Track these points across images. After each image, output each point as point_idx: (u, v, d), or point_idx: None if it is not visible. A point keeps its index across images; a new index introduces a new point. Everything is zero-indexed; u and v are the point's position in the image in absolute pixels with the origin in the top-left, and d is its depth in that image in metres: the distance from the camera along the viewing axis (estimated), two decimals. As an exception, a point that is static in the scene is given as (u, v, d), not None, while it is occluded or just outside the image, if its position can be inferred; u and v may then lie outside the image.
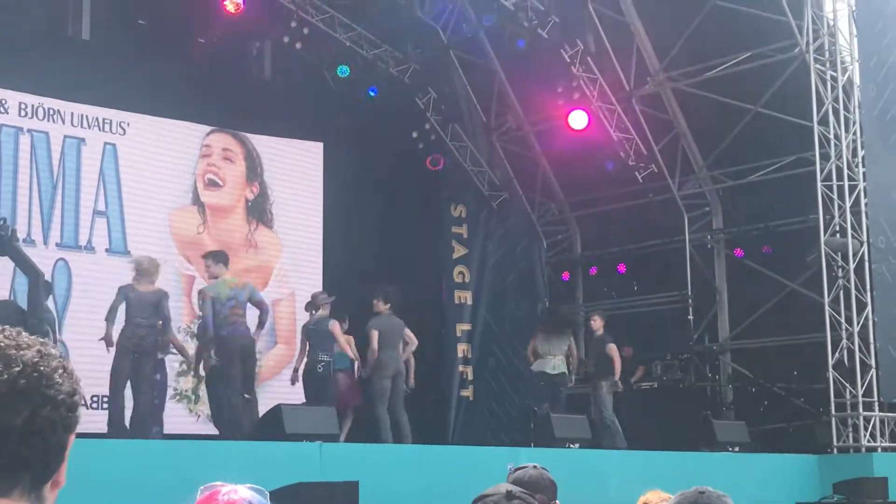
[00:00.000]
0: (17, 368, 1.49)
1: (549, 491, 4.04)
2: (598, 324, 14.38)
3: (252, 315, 11.33)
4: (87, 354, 13.14)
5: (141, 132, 14.49)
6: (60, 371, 1.54)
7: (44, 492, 1.53)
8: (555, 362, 13.99)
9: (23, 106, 13.56)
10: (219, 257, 11.58)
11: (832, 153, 13.79)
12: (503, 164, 17.97)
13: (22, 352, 1.51)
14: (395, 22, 15.83)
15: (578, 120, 16.16)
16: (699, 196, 16.89)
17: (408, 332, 12.55)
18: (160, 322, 11.10)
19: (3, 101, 13.40)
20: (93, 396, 13.26)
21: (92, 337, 13.10)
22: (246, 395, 10.94)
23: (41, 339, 1.56)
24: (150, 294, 11.03)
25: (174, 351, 12.03)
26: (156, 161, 14.59)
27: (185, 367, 13.35)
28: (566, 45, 15.64)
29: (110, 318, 11.08)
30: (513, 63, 16.60)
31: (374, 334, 12.14)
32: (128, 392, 10.98)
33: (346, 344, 12.51)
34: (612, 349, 13.88)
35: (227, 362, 10.93)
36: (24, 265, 10.18)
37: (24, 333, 1.56)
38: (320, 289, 15.25)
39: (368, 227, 15.66)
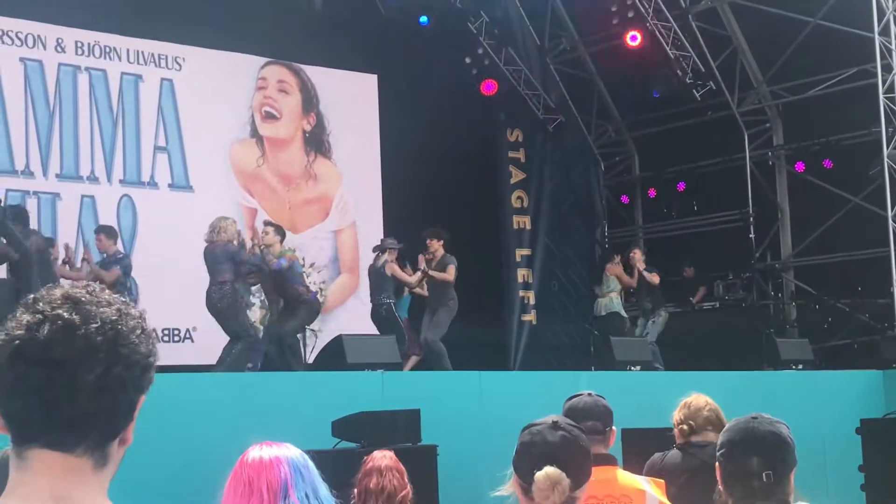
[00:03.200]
0: (95, 325, 1.50)
1: (603, 417, 4.07)
2: (637, 256, 14.42)
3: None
4: (154, 288, 13.42)
5: (196, 67, 14.58)
6: (139, 332, 1.54)
7: (110, 449, 1.55)
8: (604, 303, 14.25)
9: (79, 44, 13.70)
10: (280, 231, 11.80)
11: (894, 64, 13.50)
12: (558, 87, 17.82)
13: (102, 309, 1.52)
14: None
15: (634, 38, 15.96)
16: (759, 112, 16.66)
17: None
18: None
19: (60, 40, 13.55)
20: (163, 329, 13.57)
21: (159, 270, 13.39)
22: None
23: (123, 299, 1.57)
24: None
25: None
26: (213, 96, 14.69)
27: (251, 301, 13.59)
28: (620, -38, 15.39)
29: None
30: (566, -17, 16.38)
31: (453, 269, 12.41)
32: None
33: (407, 276, 12.71)
34: (654, 277, 14.07)
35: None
36: (16, 244, 10.34)
37: (107, 290, 1.58)
38: (380, 217, 15.41)
39: (425, 155, 15.65)
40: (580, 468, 2.73)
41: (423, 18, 15.84)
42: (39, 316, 1.50)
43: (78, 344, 1.49)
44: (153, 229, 13.80)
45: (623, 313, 14.59)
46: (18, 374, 1.48)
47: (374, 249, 12.98)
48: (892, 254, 13.40)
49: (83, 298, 1.53)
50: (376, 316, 12.49)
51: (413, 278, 12.71)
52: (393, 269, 12.45)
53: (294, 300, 11.59)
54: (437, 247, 12.56)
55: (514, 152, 17.52)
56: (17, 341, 1.49)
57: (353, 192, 15.91)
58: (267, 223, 12.29)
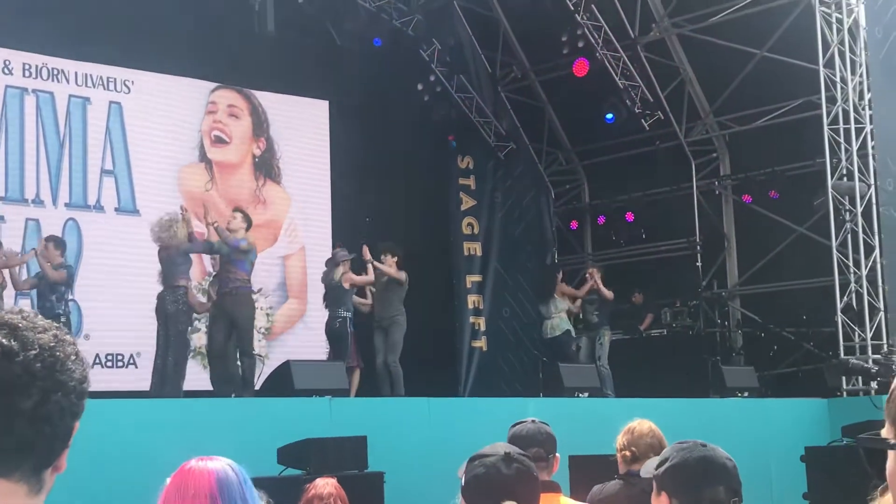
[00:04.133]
0: (34, 351, 1.48)
1: (546, 444, 4.08)
2: (595, 276, 14.51)
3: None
4: (98, 313, 13.28)
5: (146, 90, 14.49)
6: (73, 357, 1.53)
7: (44, 476, 1.53)
8: (552, 324, 14.32)
9: (27, 66, 13.56)
10: (247, 220, 11.59)
11: (838, 96, 13.72)
12: (509, 115, 17.92)
13: (39, 335, 1.50)
14: (398, -28, 15.71)
15: (581, 67, 16.07)
16: (706, 142, 16.85)
17: None
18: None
19: (7, 62, 13.41)
20: (107, 354, 13.40)
21: (104, 294, 13.25)
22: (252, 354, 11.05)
23: (56, 324, 1.55)
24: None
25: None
26: (161, 119, 14.60)
27: (197, 324, 13.49)
28: (571, -7, 15.51)
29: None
30: (517, 12, 16.49)
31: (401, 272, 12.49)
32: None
33: (363, 277, 12.60)
34: (609, 292, 14.30)
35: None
36: None
37: (40, 316, 1.55)
38: (329, 242, 15.35)
39: (376, 181, 15.66)
40: (533, 499, 2.77)
41: (377, 41, 15.85)
42: None
43: (16, 370, 1.46)
44: (98, 253, 13.65)
45: (573, 332, 14.63)
46: None
47: (327, 263, 12.92)
48: (836, 283, 13.58)
49: (20, 325, 1.50)
50: (330, 329, 12.40)
51: (367, 276, 12.54)
52: (351, 278, 12.38)
53: (230, 290, 10.99)
54: (391, 263, 12.52)
55: (464, 179, 17.57)
56: None
57: (303, 217, 15.85)
58: (236, 209, 12.01)
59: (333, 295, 12.44)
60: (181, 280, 11.06)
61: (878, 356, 12.92)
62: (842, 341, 13.53)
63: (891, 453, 1.61)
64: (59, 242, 11.81)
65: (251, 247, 11.24)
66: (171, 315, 10.85)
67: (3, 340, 1.48)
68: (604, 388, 13.12)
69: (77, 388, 1.52)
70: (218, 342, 11.07)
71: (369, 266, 12.41)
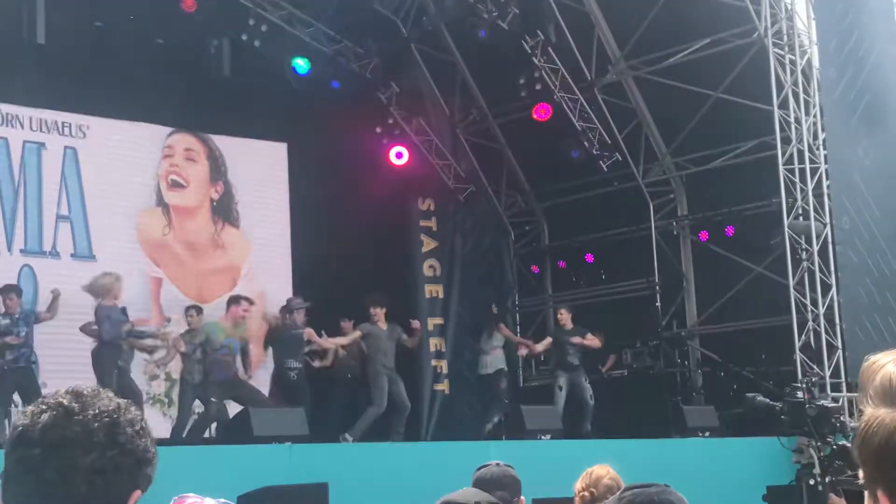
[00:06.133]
0: (93, 412, 1.63)
1: (511, 488, 4.06)
2: (565, 317, 14.43)
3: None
4: (55, 361, 13.06)
5: (101, 135, 14.39)
6: (137, 427, 1.67)
7: None
8: (489, 360, 14.49)
9: (-20, 113, 13.45)
10: (199, 310, 11.93)
11: (793, 136, 13.88)
12: (468, 157, 17.96)
13: (102, 401, 1.66)
14: (354, 16, 15.76)
15: (542, 111, 16.16)
16: (663, 183, 16.95)
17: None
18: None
19: (-39, 109, 13.29)
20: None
21: (60, 341, 13.05)
22: (213, 399, 10.99)
23: (128, 400, 1.70)
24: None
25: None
26: (118, 164, 14.50)
27: (156, 372, 13.37)
28: (527, 36, 15.63)
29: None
30: (474, 55, 16.59)
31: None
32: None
33: (329, 342, 12.71)
34: (592, 339, 14.15)
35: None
36: None
37: (111, 392, 1.70)
38: (290, 287, 15.25)
39: (336, 224, 15.60)
40: None
41: (335, 83, 15.90)
42: (43, 406, 1.67)
43: (75, 428, 1.61)
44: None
45: (506, 370, 14.79)
46: (18, 458, 1.62)
47: (282, 311, 12.86)
48: (794, 322, 13.65)
49: (85, 392, 1.67)
50: (283, 380, 12.28)
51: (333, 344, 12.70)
52: (311, 336, 12.39)
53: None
54: (379, 315, 12.55)
55: (425, 221, 17.56)
56: (20, 428, 1.66)
57: (262, 261, 15.76)
58: (188, 308, 12.47)
59: (285, 344, 12.36)
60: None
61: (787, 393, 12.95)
62: (800, 380, 13.57)
63: (866, 494, 1.61)
64: (20, 291, 11.77)
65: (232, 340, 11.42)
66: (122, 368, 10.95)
67: (65, 402, 1.65)
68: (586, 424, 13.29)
69: (137, 453, 1.65)
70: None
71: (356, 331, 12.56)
